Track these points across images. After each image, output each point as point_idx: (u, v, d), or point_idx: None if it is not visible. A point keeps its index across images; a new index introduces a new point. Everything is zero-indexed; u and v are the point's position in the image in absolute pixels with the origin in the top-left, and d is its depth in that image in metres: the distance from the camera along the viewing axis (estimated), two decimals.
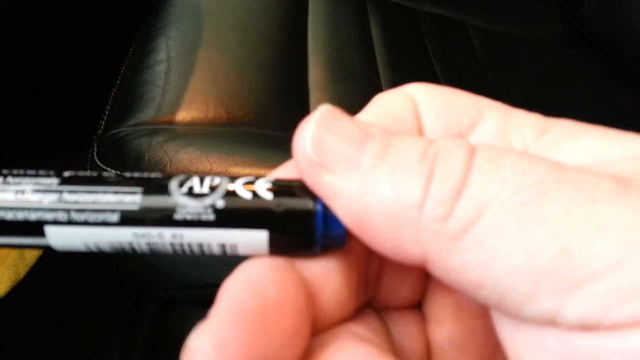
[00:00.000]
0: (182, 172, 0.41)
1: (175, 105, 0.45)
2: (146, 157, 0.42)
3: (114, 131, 0.43)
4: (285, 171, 0.11)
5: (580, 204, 0.08)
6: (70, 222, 0.09)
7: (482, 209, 0.08)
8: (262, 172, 0.40)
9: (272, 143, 0.44)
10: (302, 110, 0.48)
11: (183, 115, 0.44)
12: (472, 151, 0.09)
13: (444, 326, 0.11)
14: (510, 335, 0.09)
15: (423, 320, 0.11)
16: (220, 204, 0.10)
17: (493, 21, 0.60)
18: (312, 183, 0.10)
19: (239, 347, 0.08)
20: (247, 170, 0.41)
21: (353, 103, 0.48)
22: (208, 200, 0.10)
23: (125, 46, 0.49)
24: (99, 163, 0.43)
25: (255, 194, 0.10)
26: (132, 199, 0.09)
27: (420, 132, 0.11)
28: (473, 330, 0.11)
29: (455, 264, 0.08)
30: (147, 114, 0.44)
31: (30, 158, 0.46)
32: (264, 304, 0.08)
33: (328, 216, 0.10)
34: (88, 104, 0.48)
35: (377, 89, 0.51)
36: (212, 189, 0.10)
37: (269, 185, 0.10)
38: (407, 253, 0.09)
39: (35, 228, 0.09)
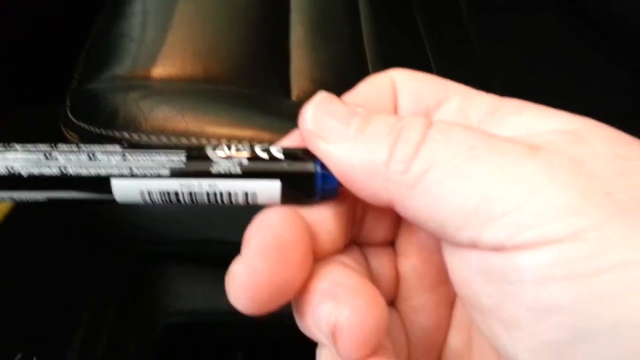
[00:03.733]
0: (158, 129, 0.44)
1: (151, 60, 0.46)
2: (121, 114, 0.44)
3: (88, 85, 0.45)
4: (291, 139, 0.15)
5: (500, 164, 0.12)
6: (132, 176, 0.13)
7: (430, 166, 0.12)
8: (238, 132, 0.43)
9: (250, 103, 0.46)
10: (282, 69, 0.50)
11: (159, 70, 0.46)
12: (428, 125, 0.13)
13: (410, 259, 0.16)
14: (450, 257, 0.13)
15: (395, 254, 0.16)
16: (245, 161, 0.14)
17: None
18: (312, 149, 0.14)
19: (266, 272, 0.12)
20: (223, 131, 0.43)
21: (334, 62, 0.51)
22: (235, 159, 0.14)
23: None
24: (72, 118, 0.45)
25: (270, 155, 0.14)
26: (179, 158, 0.13)
27: (395, 108, 0.15)
28: (430, 262, 0.16)
29: (411, 204, 0.13)
30: (122, 68, 0.46)
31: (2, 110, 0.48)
32: (281, 242, 0.13)
33: (325, 174, 0.14)
34: (61, 54, 0.50)
35: (359, 47, 0.54)
36: (238, 151, 0.14)
37: (281, 149, 0.14)
38: (380, 198, 0.13)
39: (104, 181, 0.13)
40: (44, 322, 0.42)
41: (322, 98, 0.14)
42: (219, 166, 0.13)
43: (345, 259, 0.15)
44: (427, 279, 0.16)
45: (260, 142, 0.43)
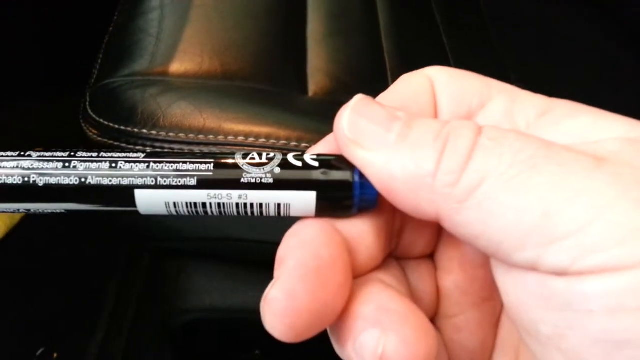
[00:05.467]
0: (176, 126, 0.42)
1: (169, 56, 0.45)
2: (139, 110, 0.43)
3: (107, 81, 0.44)
4: (324, 145, 0.14)
5: (561, 177, 0.10)
6: (157, 186, 0.12)
7: (483, 178, 0.11)
8: (255, 129, 0.42)
9: (267, 99, 0.45)
10: (300, 65, 0.49)
11: (177, 66, 0.45)
12: (478, 131, 0.11)
13: (452, 274, 0.14)
14: (503, 278, 0.12)
15: (434, 268, 0.15)
16: (277, 170, 0.12)
17: None
18: (349, 157, 0.12)
19: (305, 296, 0.11)
20: (240, 127, 0.42)
21: (351, 56, 0.50)
22: (267, 168, 0.12)
23: None
24: (92, 114, 0.44)
25: (304, 163, 0.13)
26: (207, 167, 0.12)
27: (435, 110, 0.14)
28: (474, 278, 0.14)
29: (461, 220, 0.11)
30: (141, 64, 0.45)
31: (22, 103, 0.47)
32: (320, 262, 0.11)
33: (363, 183, 0.12)
34: (81, 49, 0.49)
35: (376, 40, 0.52)
36: (269, 159, 0.12)
37: (315, 157, 0.13)
38: (424, 211, 0.12)
39: (127, 192, 0.12)
40: (64, 318, 0.41)
41: (358, 101, 0.13)
42: (250, 175, 0.12)
43: (385, 276, 0.13)
44: (471, 295, 0.14)
45: (277, 138, 0.42)
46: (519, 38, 0.55)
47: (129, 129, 0.42)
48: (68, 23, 0.54)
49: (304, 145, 0.41)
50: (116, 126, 0.43)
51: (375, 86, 0.53)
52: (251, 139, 0.41)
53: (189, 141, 0.42)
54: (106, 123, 0.43)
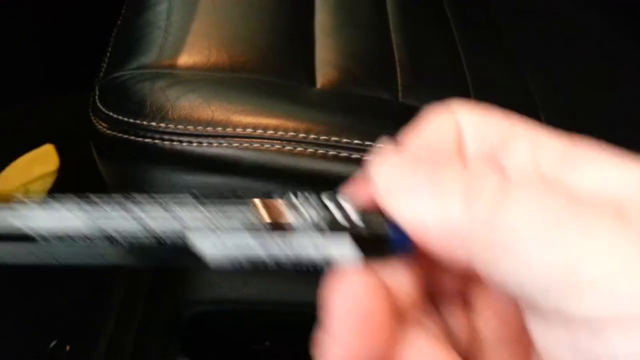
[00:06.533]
0: (184, 118, 0.42)
1: (177, 49, 0.45)
2: (148, 103, 0.43)
3: (116, 74, 0.44)
4: (355, 187, 0.14)
5: (587, 233, 0.11)
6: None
7: (513, 231, 0.11)
8: (264, 121, 0.41)
9: (275, 91, 0.45)
10: (308, 57, 0.48)
11: (185, 59, 0.45)
12: (507, 183, 0.12)
13: (486, 316, 0.15)
14: (535, 327, 0.12)
15: (469, 309, 0.15)
16: (327, 229, 0.13)
17: None
18: (383, 208, 0.13)
19: (356, 344, 0.12)
20: (249, 119, 0.42)
21: (360, 48, 0.49)
22: (316, 227, 0.13)
23: None
24: (102, 107, 0.43)
25: (351, 224, 0.13)
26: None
27: (460, 146, 0.14)
28: (509, 321, 0.14)
29: (492, 270, 0.12)
30: (149, 57, 0.44)
31: (31, 98, 0.47)
32: (367, 312, 0.12)
33: (399, 232, 0.13)
34: (90, 43, 0.48)
35: (385, 33, 0.51)
36: (315, 211, 0.13)
37: (357, 213, 0.13)
38: (458, 260, 0.12)
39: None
40: (75, 311, 0.42)
41: (386, 150, 0.13)
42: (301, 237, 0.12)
43: (424, 319, 0.14)
44: (506, 340, 0.15)
45: (285, 130, 0.41)
46: (531, 32, 0.54)
47: (137, 121, 0.42)
48: (76, 18, 0.53)
49: (312, 137, 0.41)
50: (125, 119, 0.42)
51: (383, 79, 0.52)
52: (259, 131, 0.41)
53: (198, 133, 0.42)
54: (115, 116, 0.42)
